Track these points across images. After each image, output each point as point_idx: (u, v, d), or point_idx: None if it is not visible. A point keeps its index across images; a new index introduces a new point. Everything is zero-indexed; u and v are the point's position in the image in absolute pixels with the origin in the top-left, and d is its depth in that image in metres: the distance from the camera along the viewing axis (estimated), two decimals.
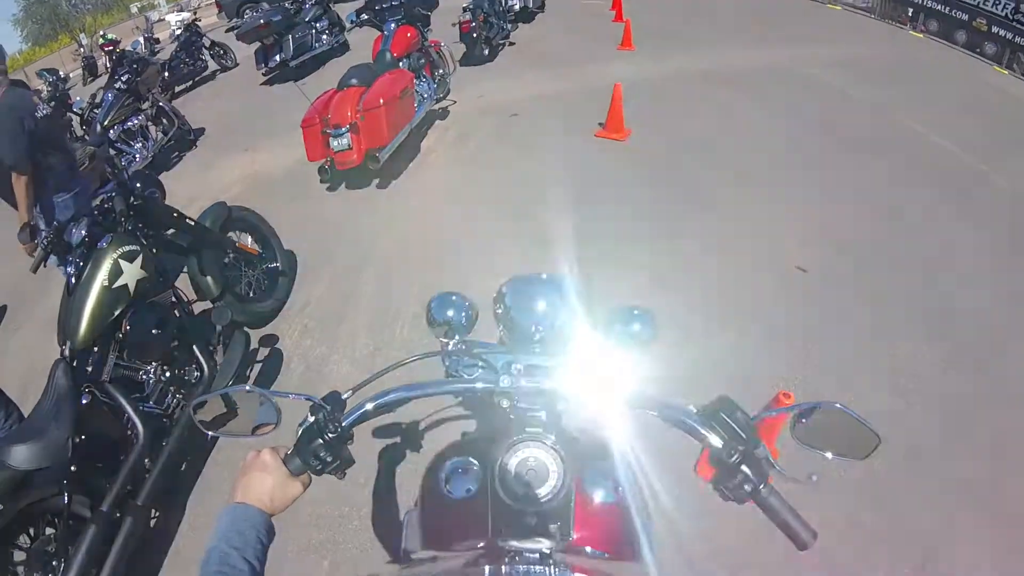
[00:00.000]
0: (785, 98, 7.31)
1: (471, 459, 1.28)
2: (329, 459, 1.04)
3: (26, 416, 2.50)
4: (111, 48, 17.41)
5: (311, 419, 1.07)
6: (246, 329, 3.54)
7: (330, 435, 1.04)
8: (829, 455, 1.08)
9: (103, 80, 11.13)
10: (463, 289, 1.49)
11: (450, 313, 1.41)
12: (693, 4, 13.10)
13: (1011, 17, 13.01)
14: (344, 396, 1.12)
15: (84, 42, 22.51)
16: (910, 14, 14.04)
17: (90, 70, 18.60)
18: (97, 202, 3.06)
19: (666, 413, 1.10)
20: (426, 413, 2.96)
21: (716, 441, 1.03)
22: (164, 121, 7.79)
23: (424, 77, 7.06)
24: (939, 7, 13.91)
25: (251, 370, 3.69)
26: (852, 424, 1.06)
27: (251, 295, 4.01)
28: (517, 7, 11.77)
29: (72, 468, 2.36)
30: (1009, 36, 12.69)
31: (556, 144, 6.39)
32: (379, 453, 2.90)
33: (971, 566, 2.36)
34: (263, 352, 3.85)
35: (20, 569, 2.32)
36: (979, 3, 13.55)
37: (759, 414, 1.09)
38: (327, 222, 5.41)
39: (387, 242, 4.94)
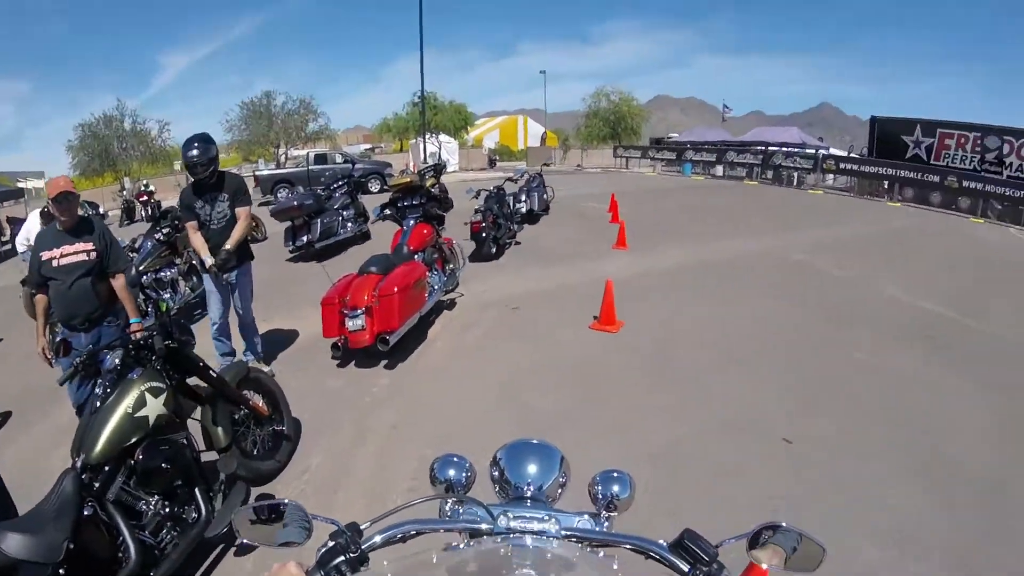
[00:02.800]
0: (773, 284, 7.92)
1: None
2: None
3: (19, 515, 2.65)
4: (146, 198, 18.66)
5: (331, 543, 1.16)
6: (246, 484, 3.70)
7: (351, 555, 1.14)
8: (781, 568, 1.18)
9: (138, 226, 11.77)
10: None
11: (451, 473, 1.55)
12: (685, 203, 14.22)
13: (978, 169, 14.24)
14: (363, 526, 1.23)
15: (127, 186, 23.76)
16: (886, 186, 15.28)
17: (128, 214, 19.90)
18: (134, 337, 3.39)
19: (643, 547, 1.22)
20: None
21: (684, 567, 1.14)
22: (194, 279, 8.39)
23: (436, 270, 7.68)
24: (911, 174, 15.20)
25: None
26: (798, 539, 1.16)
27: (255, 453, 4.21)
28: (524, 210, 12.99)
29: (60, 572, 2.47)
30: (979, 187, 13.76)
31: (552, 335, 6.89)
32: None
33: None
34: None
35: None
36: (947, 163, 14.84)
37: (722, 541, 1.20)
38: (333, 395, 5.69)
39: (388, 419, 5.16)
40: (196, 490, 3.35)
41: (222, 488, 3.54)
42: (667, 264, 9.47)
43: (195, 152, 5.20)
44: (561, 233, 12.52)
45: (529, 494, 1.46)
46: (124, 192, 23.24)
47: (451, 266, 8.22)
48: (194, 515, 3.30)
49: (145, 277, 7.82)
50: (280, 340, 7.22)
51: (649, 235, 11.23)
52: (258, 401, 4.36)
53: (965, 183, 14.45)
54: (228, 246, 5.27)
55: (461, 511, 1.41)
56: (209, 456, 3.76)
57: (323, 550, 1.17)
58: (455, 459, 1.58)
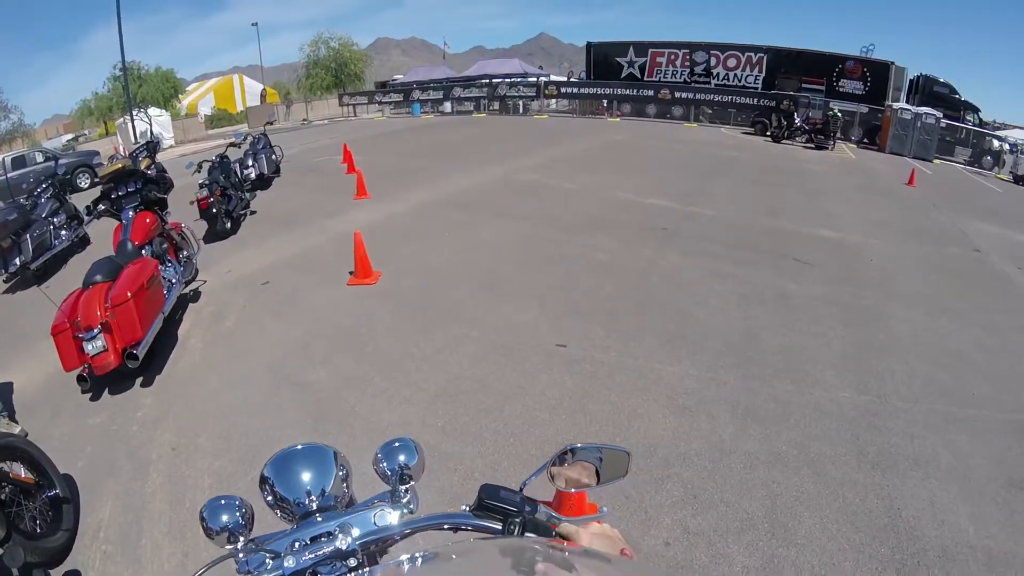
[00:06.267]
0: (512, 207, 8.72)
1: None
2: None
3: None
4: None
5: None
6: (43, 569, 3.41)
7: None
8: (594, 485, 1.18)
9: None
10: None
11: (224, 518, 1.30)
12: (418, 143, 14.64)
13: (687, 82, 16.95)
14: None
15: None
16: (605, 104, 17.37)
17: None
18: None
19: (449, 523, 1.16)
20: None
21: (497, 525, 1.10)
22: None
23: (170, 261, 7.15)
24: (627, 91, 17.60)
25: None
26: (598, 452, 1.16)
27: (38, 530, 3.81)
28: (253, 175, 12.39)
29: None
30: (690, 96, 16.48)
31: (310, 301, 6.91)
32: None
33: None
34: None
35: None
36: (659, 79, 17.43)
37: (524, 481, 1.17)
38: (98, 434, 5.13)
39: (165, 440, 4.86)
40: None
41: None
42: (411, 205, 9.77)
43: None
44: (297, 193, 12.18)
45: (315, 506, 1.32)
46: None
47: (185, 253, 7.71)
48: None
49: None
50: (21, 391, 6.06)
51: (388, 180, 11.44)
52: (19, 471, 3.91)
53: (678, 94, 16.82)
54: None
55: (251, 563, 1.20)
56: None
57: None
58: (223, 501, 1.33)
